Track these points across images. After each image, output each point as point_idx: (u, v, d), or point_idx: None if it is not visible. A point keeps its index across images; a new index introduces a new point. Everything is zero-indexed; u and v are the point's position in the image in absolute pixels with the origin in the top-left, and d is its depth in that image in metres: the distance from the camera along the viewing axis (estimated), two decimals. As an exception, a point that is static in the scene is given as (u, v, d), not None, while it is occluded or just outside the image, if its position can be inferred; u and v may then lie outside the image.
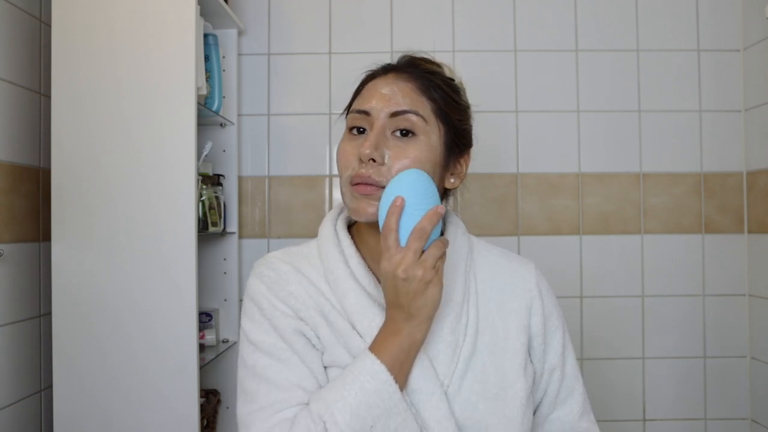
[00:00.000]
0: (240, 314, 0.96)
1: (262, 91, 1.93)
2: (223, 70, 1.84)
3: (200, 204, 1.64)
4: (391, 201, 0.72)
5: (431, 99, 0.81)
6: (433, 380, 0.77)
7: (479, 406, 0.79)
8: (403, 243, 0.72)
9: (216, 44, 1.75)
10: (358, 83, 0.87)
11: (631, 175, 1.92)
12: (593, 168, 1.93)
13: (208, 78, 1.72)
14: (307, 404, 0.75)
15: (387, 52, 1.88)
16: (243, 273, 1.89)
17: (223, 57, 1.84)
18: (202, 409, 1.59)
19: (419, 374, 0.76)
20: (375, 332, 0.77)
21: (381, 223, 0.74)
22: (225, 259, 1.86)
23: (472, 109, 0.89)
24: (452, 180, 0.86)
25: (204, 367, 1.58)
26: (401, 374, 0.74)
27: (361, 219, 0.79)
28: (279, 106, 1.93)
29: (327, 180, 1.93)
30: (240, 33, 1.91)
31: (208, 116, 1.74)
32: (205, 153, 1.68)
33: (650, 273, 1.92)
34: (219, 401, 1.82)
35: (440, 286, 0.73)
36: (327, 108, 1.92)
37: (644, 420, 1.91)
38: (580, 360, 1.90)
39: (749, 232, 1.91)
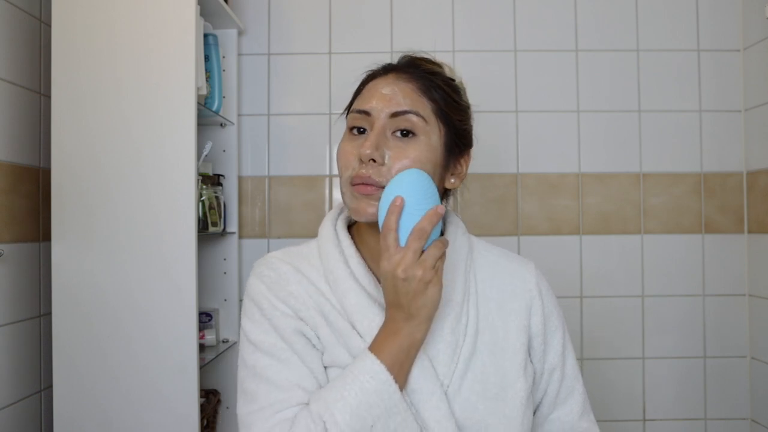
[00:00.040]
0: (240, 314, 0.96)
1: (262, 91, 1.93)
2: (223, 70, 1.84)
3: (200, 204, 1.64)
4: (391, 201, 0.72)
5: (432, 99, 0.81)
6: (433, 380, 0.77)
7: (479, 406, 0.79)
8: (402, 243, 0.72)
9: (216, 44, 1.75)
10: (358, 83, 0.87)
11: (631, 175, 1.93)
12: (593, 168, 1.93)
13: (208, 78, 1.72)
14: (307, 404, 0.75)
15: (387, 52, 1.88)
16: (243, 273, 1.89)
17: (223, 57, 1.84)
18: (202, 409, 1.59)
19: (419, 374, 0.76)
20: (375, 332, 0.77)
21: (381, 223, 0.74)
22: (225, 259, 1.86)
23: (473, 109, 0.89)
24: (452, 180, 0.86)
25: (204, 367, 1.58)
26: (401, 374, 0.74)
27: (361, 219, 0.80)
28: (279, 106, 1.94)
29: (327, 180, 1.93)
30: (240, 33, 1.91)
31: (208, 116, 1.74)
32: (205, 153, 1.68)
33: (650, 273, 1.92)
34: (219, 401, 1.82)
35: (440, 286, 0.73)
36: (327, 108, 1.92)
37: (644, 420, 1.91)
38: (580, 360, 1.90)
39: (749, 232, 1.91)
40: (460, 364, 0.80)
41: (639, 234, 1.92)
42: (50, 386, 1.48)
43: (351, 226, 0.90)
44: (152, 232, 1.43)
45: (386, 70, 0.85)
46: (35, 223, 1.58)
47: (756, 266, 1.87)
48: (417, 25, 1.93)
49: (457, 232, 0.88)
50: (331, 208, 1.90)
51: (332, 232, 0.86)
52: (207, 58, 1.71)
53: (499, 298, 0.86)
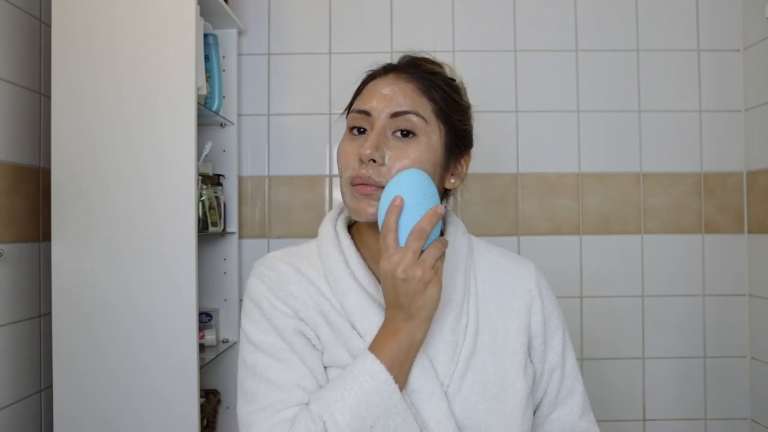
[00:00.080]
0: (240, 314, 0.96)
1: (262, 91, 1.93)
2: (223, 70, 1.84)
3: (200, 204, 1.64)
4: (391, 201, 0.72)
5: (432, 99, 0.81)
6: (433, 380, 0.77)
7: (479, 406, 0.79)
8: (402, 243, 0.72)
9: (216, 44, 1.75)
10: (358, 83, 0.87)
11: (631, 175, 1.93)
12: (593, 168, 1.93)
13: (208, 78, 1.72)
14: (307, 404, 0.75)
15: (387, 52, 1.88)
16: (243, 273, 1.89)
17: (223, 57, 1.84)
18: (202, 409, 1.59)
19: (419, 374, 0.76)
20: (375, 332, 0.77)
21: (380, 223, 0.74)
22: (225, 259, 1.86)
23: (473, 109, 0.89)
24: (452, 180, 0.86)
25: (204, 367, 1.58)
26: (401, 374, 0.74)
27: (361, 219, 0.80)
28: (279, 106, 1.94)
29: (327, 180, 1.93)
30: (240, 33, 1.91)
31: (208, 116, 1.74)
32: (205, 153, 1.68)
33: (650, 273, 1.92)
34: (219, 401, 1.82)
35: (439, 286, 0.73)
36: (327, 108, 1.92)
37: (644, 420, 1.91)
38: (580, 360, 1.90)
39: (749, 232, 1.91)
40: (460, 364, 0.80)
41: (639, 234, 1.92)
42: (50, 386, 1.48)
43: (351, 226, 0.90)
44: (152, 232, 1.43)
45: (386, 70, 0.85)
46: (35, 223, 1.58)
47: (756, 266, 1.87)
48: (417, 25, 1.93)
49: (457, 232, 0.88)
50: (331, 208, 1.90)
51: (332, 232, 0.86)
52: (207, 58, 1.71)
53: (499, 298, 0.86)
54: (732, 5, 1.93)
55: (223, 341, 1.85)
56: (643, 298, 1.92)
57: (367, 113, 0.80)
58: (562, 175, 1.92)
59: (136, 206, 1.43)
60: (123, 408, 1.42)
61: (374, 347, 0.74)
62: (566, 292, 1.90)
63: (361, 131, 0.81)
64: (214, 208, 1.72)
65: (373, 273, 0.84)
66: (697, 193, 1.92)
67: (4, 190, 1.46)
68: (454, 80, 0.86)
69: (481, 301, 0.85)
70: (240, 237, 1.90)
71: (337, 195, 1.92)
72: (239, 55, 1.91)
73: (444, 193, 0.88)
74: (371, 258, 0.85)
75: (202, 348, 1.69)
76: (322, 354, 0.80)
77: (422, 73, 0.82)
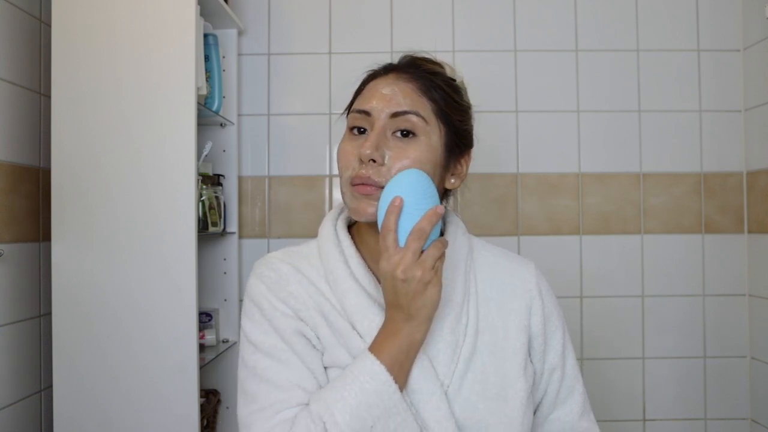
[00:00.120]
0: (240, 314, 0.96)
1: (262, 91, 1.93)
2: (223, 70, 1.84)
3: (200, 204, 1.64)
4: (390, 201, 0.72)
5: (432, 99, 0.81)
6: (433, 380, 0.77)
7: (479, 406, 0.79)
8: (402, 243, 0.72)
9: (216, 44, 1.75)
10: (358, 83, 0.87)
11: (631, 175, 1.93)
12: (593, 168, 1.93)
13: (208, 78, 1.72)
14: (307, 404, 0.75)
15: (387, 52, 1.88)
16: (243, 273, 1.89)
17: (223, 57, 1.84)
18: (202, 409, 1.59)
19: (419, 374, 0.76)
20: (375, 332, 0.77)
21: (380, 224, 0.74)
22: (225, 259, 1.86)
23: (473, 109, 0.89)
24: (452, 180, 0.86)
25: (204, 367, 1.58)
26: (401, 375, 0.74)
27: (361, 219, 0.80)
28: (279, 106, 1.93)
29: (327, 180, 1.93)
30: (240, 33, 1.91)
31: (208, 116, 1.74)
32: (205, 153, 1.68)
33: (650, 273, 1.92)
34: (219, 401, 1.82)
35: (439, 286, 0.73)
36: (327, 108, 1.92)
37: (644, 420, 1.91)
38: (580, 360, 1.90)
39: (749, 232, 1.91)
40: (460, 365, 0.80)
41: (639, 234, 1.92)
42: (50, 386, 1.48)
43: (351, 226, 0.90)
44: (152, 232, 1.43)
45: (387, 70, 0.85)
46: (35, 223, 1.58)
47: (756, 266, 1.87)
48: (417, 25, 1.93)
49: (457, 232, 0.88)
50: (331, 208, 1.90)
51: (332, 232, 0.86)
52: (207, 58, 1.71)
53: (499, 298, 0.86)
54: (732, 5, 1.93)
55: (223, 341, 1.85)
56: (643, 298, 1.92)
57: (367, 113, 0.80)
58: (562, 175, 1.92)
59: (136, 206, 1.43)
60: (123, 408, 1.42)
61: (374, 348, 0.74)
62: (566, 292, 1.90)
63: (361, 131, 0.81)
64: (214, 208, 1.72)
65: (373, 273, 0.84)
66: (697, 193, 1.92)
67: (4, 190, 1.46)
68: (454, 80, 0.85)
69: (481, 301, 0.85)
70: (240, 237, 1.90)
71: (337, 195, 1.92)
72: (239, 55, 1.91)
73: (444, 193, 0.88)
74: (371, 258, 0.85)
75: (202, 348, 1.69)
76: (322, 354, 0.80)
77: (422, 73, 0.82)
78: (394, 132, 0.79)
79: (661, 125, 1.92)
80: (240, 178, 1.91)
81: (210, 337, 1.78)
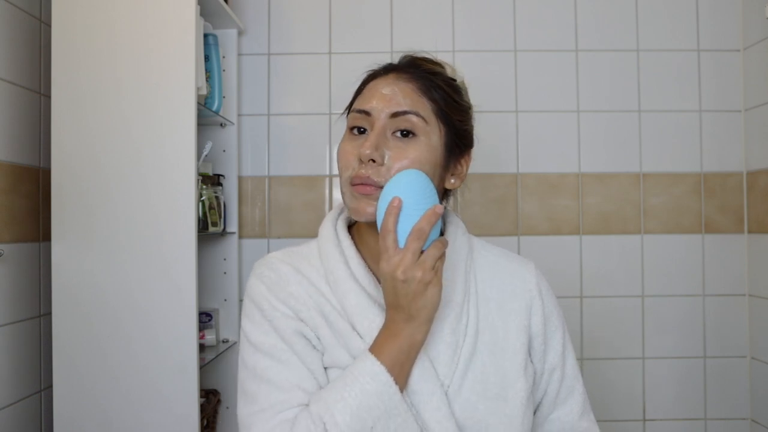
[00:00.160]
0: (240, 314, 0.96)
1: (262, 91, 1.93)
2: (223, 70, 1.83)
3: (200, 204, 1.64)
4: (389, 202, 0.72)
5: (432, 99, 0.81)
6: (434, 381, 0.77)
7: (480, 406, 0.79)
8: (401, 244, 0.72)
9: (216, 44, 1.75)
10: (358, 83, 0.87)
11: (631, 175, 1.93)
12: (593, 168, 1.93)
13: (208, 78, 1.72)
14: (308, 405, 0.75)
15: (387, 52, 1.88)
16: (243, 273, 1.89)
17: (223, 57, 1.84)
18: (202, 409, 1.59)
19: (420, 375, 0.76)
20: (375, 333, 0.77)
21: (379, 224, 0.74)
22: (225, 259, 1.86)
23: (473, 109, 0.89)
24: (452, 180, 0.86)
25: (204, 367, 1.58)
26: (401, 375, 0.74)
27: (360, 219, 0.79)
28: (279, 106, 1.93)
29: (327, 180, 1.93)
30: (240, 33, 1.91)
31: (208, 116, 1.74)
32: (205, 153, 1.68)
33: (650, 273, 1.92)
34: (219, 401, 1.82)
35: (440, 287, 0.73)
36: (327, 108, 1.92)
37: (644, 420, 1.91)
38: (580, 360, 1.90)
39: (749, 232, 1.91)
40: (460, 365, 0.80)
41: (639, 234, 1.92)
42: (50, 386, 1.48)
43: (351, 227, 0.90)
44: (152, 232, 1.43)
45: (387, 70, 0.84)
46: (35, 223, 1.58)
47: (756, 266, 1.87)
48: (417, 25, 1.93)
49: (457, 232, 0.88)
50: (331, 208, 1.90)
51: (332, 233, 0.86)
52: (207, 58, 1.71)
53: (499, 298, 0.86)
54: (732, 5, 1.93)
55: (223, 341, 1.85)
56: (643, 298, 1.92)
57: (367, 113, 0.80)
58: (562, 175, 1.92)
59: (136, 206, 1.43)
60: (123, 408, 1.42)
61: (375, 349, 0.74)
62: (566, 292, 1.90)
63: (361, 131, 0.81)
64: (214, 208, 1.72)
65: (374, 273, 0.84)
66: (697, 193, 1.92)
67: (4, 190, 1.46)
68: (454, 80, 0.85)
69: (481, 301, 0.85)
70: (240, 237, 1.90)
71: (337, 195, 1.92)
72: (239, 55, 1.91)
73: (444, 193, 0.88)
74: (371, 258, 0.85)
75: (202, 348, 1.69)
76: (323, 355, 0.80)
77: (422, 73, 0.82)
78: (394, 132, 0.79)
79: (661, 125, 1.92)
80: (240, 178, 1.91)
81: (210, 337, 1.78)
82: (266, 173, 1.93)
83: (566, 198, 1.92)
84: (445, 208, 0.90)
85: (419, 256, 0.72)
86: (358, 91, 0.86)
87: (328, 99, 1.92)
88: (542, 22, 1.93)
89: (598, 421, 0.92)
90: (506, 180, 1.92)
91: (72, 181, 1.44)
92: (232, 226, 1.87)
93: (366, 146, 0.77)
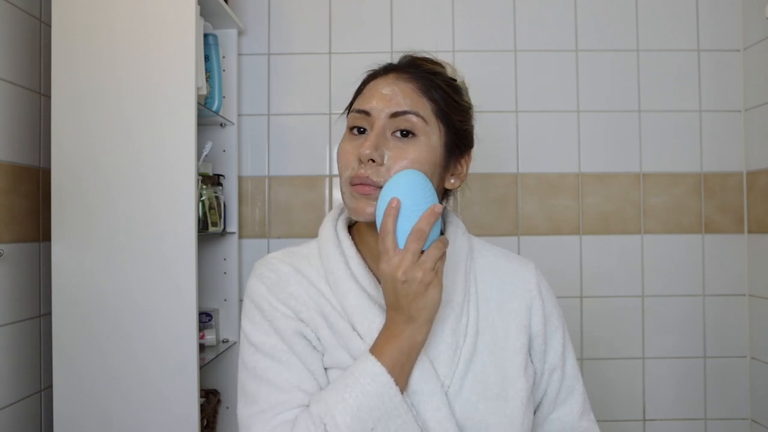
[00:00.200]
0: (240, 314, 0.96)
1: (262, 91, 1.93)
2: (223, 70, 1.83)
3: (200, 204, 1.64)
4: (388, 203, 0.72)
5: (432, 100, 0.81)
6: (434, 381, 0.77)
7: (480, 406, 0.79)
8: (401, 244, 0.72)
9: (216, 44, 1.75)
10: (358, 83, 0.87)
11: (631, 175, 1.92)
12: (593, 168, 1.93)
13: (208, 78, 1.72)
14: (308, 406, 0.75)
15: (387, 52, 1.88)
16: (243, 273, 1.89)
17: (223, 57, 1.84)
18: (202, 409, 1.59)
19: (420, 376, 0.76)
20: (375, 333, 0.76)
21: (379, 224, 0.73)
22: (225, 259, 1.86)
23: (473, 109, 0.89)
24: (452, 180, 0.86)
25: (204, 367, 1.58)
26: (402, 376, 0.74)
27: (360, 219, 0.79)
28: (279, 106, 1.93)
29: (327, 180, 1.93)
30: (240, 33, 1.91)
31: (208, 116, 1.74)
32: (205, 153, 1.68)
33: (650, 273, 1.92)
34: (219, 401, 1.82)
35: (440, 287, 0.73)
36: (327, 108, 1.92)
37: (644, 420, 1.91)
38: (580, 360, 1.90)
39: (749, 232, 1.91)
40: (460, 365, 0.79)
41: (639, 234, 1.92)
42: (50, 386, 1.48)
43: (351, 227, 0.90)
44: (152, 232, 1.43)
45: (387, 69, 0.84)
46: (35, 223, 1.58)
47: (756, 266, 1.87)
48: (417, 25, 1.93)
49: (457, 233, 0.88)
50: (331, 208, 1.90)
51: (332, 233, 0.86)
52: (207, 58, 1.71)
53: (499, 298, 0.86)
54: (732, 5, 1.92)
55: (223, 341, 1.85)
56: (643, 298, 1.92)
57: (366, 113, 0.80)
58: (562, 175, 1.92)
59: (136, 206, 1.43)
60: (123, 408, 1.42)
61: (375, 349, 0.74)
62: (566, 292, 1.90)
63: (361, 131, 0.81)
64: (214, 208, 1.72)
65: (374, 274, 0.83)
66: (697, 193, 1.92)
67: (4, 190, 1.46)
68: (454, 80, 0.85)
69: (481, 301, 0.85)
70: (240, 237, 1.90)
71: (337, 195, 1.92)
72: (239, 55, 1.91)
73: (444, 194, 0.88)
74: (372, 258, 0.85)
75: (202, 348, 1.69)
76: (323, 355, 0.80)
77: (422, 73, 0.82)
78: (394, 132, 0.79)
79: (661, 125, 1.92)
80: (240, 178, 1.91)
81: (210, 337, 1.78)
82: (266, 173, 1.93)
83: (566, 198, 1.92)
84: (445, 208, 0.90)
85: (419, 257, 0.71)
86: (358, 91, 0.86)
87: (328, 99, 1.92)
88: (542, 22, 1.93)
89: (598, 421, 0.92)
90: (506, 180, 1.92)
91: (72, 181, 1.44)
92: (232, 226, 1.87)
93: (366, 146, 0.77)
